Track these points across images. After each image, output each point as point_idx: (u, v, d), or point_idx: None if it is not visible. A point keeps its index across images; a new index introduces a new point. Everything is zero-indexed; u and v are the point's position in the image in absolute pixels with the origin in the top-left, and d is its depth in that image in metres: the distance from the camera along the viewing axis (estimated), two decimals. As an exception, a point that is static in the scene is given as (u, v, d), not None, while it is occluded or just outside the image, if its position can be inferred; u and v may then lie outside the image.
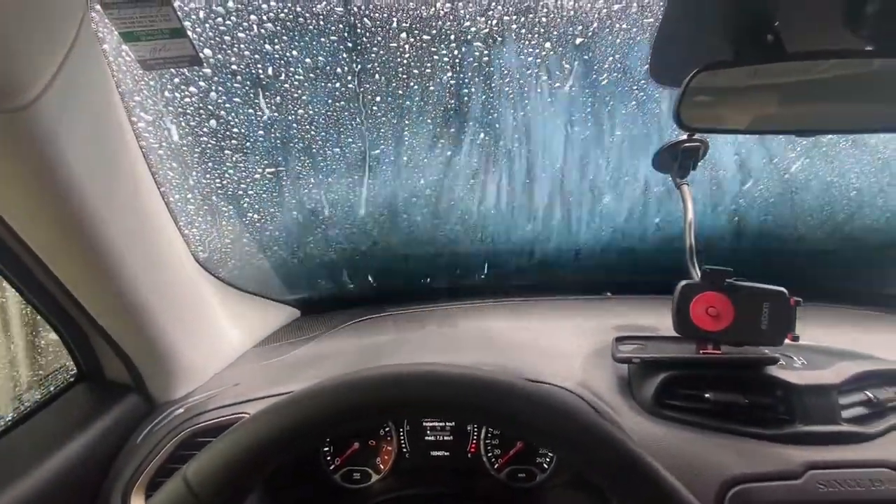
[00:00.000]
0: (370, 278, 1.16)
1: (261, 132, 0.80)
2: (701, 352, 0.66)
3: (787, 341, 0.63)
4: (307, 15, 0.60)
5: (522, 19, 0.63)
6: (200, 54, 0.56)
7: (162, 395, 0.76)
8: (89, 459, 0.65)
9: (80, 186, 0.51)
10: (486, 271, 1.16)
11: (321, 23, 0.62)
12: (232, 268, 0.97)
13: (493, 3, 0.61)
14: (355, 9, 0.63)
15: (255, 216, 0.94)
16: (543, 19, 0.63)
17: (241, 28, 0.58)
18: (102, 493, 0.65)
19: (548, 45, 0.68)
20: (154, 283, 0.68)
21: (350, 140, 0.88)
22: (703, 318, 0.65)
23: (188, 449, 0.68)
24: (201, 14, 0.55)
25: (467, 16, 0.62)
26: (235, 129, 0.77)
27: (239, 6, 0.56)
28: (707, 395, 0.64)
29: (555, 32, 0.66)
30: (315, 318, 1.11)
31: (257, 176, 0.87)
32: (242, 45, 0.60)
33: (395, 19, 0.64)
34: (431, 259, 1.12)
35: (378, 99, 0.81)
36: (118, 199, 0.57)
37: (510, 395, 0.37)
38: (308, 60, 0.66)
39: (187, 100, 0.66)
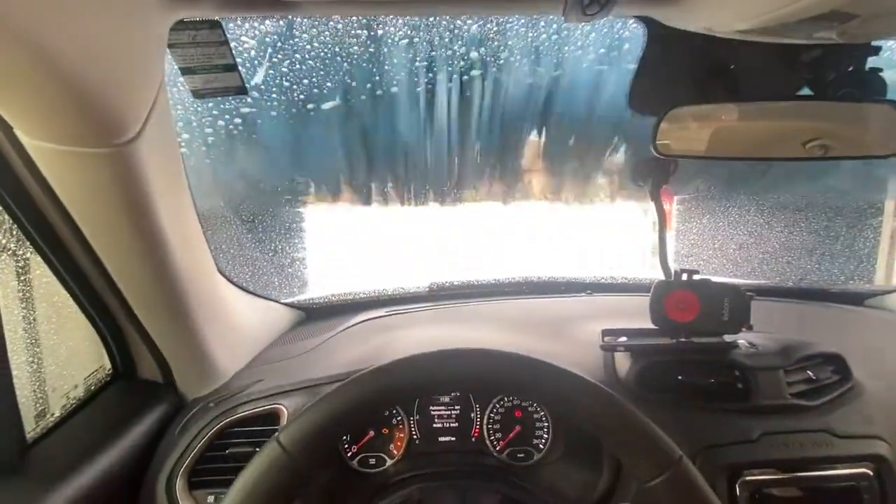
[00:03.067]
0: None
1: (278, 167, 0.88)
2: (673, 340, 0.78)
3: (743, 330, 0.76)
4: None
5: (533, 57, 0.75)
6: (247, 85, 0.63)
7: (191, 392, 0.82)
8: (131, 453, 0.70)
9: (152, 208, 0.58)
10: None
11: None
12: (246, 274, 1.03)
13: (518, 56, 0.73)
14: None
15: (269, 230, 1.02)
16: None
17: (283, 64, 0.66)
18: (146, 482, 0.71)
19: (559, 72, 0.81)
20: (188, 289, 0.74)
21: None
22: (675, 312, 0.77)
23: (226, 438, 0.74)
24: (252, 53, 0.63)
25: (488, 54, 0.73)
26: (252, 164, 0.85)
27: (285, 47, 0.64)
28: (679, 377, 0.75)
29: (555, 72, 0.78)
30: (319, 322, 1.18)
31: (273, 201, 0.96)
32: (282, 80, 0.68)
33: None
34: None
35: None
36: (171, 218, 0.64)
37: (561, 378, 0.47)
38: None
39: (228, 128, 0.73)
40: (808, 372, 0.77)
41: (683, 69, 0.69)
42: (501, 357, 0.48)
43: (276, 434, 0.44)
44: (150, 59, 0.50)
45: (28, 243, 0.60)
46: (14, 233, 0.59)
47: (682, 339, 0.78)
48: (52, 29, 0.39)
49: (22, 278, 0.62)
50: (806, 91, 0.72)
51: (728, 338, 0.78)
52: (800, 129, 0.73)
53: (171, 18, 0.51)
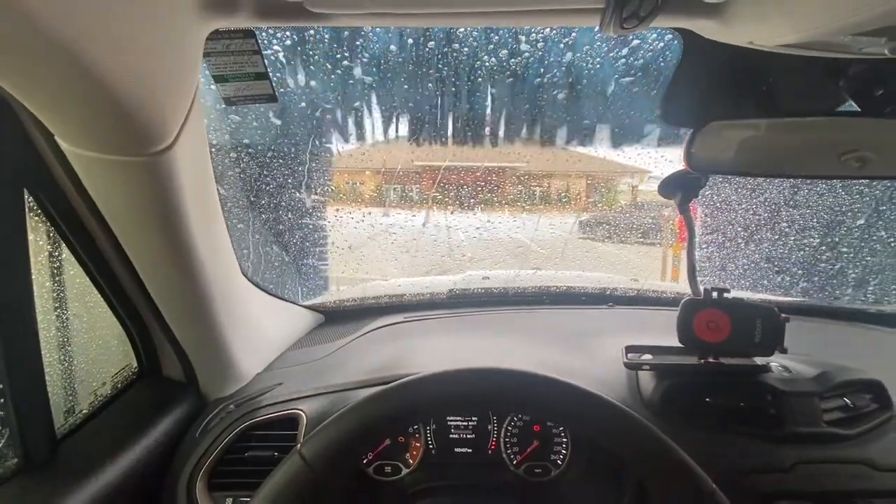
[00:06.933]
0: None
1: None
2: (702, 361, 0.75)
3: (776, 352, 0.73)
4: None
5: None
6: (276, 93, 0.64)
7: (212, 392, 0.83)
8: (154, 452, 0.71)
9: (182, 214, 0.59)
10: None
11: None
12: (268, 275, 1.05)
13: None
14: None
15: (292, 233, 1.03)
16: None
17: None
18: (168, 482, 0.72)
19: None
20: (213, 292, 0.75)
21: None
22: (703, 331, 0.74)
23: (245, 441, 0.75)
24: (283, 62, 0.63)
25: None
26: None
27: (318, 56, 0.65)
28: (707, 399, 0.73)
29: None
30: (338, 325, 1.18)
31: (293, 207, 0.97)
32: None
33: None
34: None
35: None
36: (200, 223, 0.65)
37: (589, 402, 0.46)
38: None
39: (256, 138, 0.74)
40: (845, 399, 0.74)
41: (720, 82, 0.67)
42: (534, 379, 0.47)
43: (298, 447, 0.44)
44: (187, 69, 0.50)
45: (63, 244, 0.62)
46: (50, 235, 0.60)
47: (711, 360, 0.75)
48: (92, 39, 0.39)
49: (57, 279, 0.64)
50: (848, 106, 0.69)
51: (759, 360, 0.75)
52: (840, 145, 0.70)
53: (208, 28, 0.52)
